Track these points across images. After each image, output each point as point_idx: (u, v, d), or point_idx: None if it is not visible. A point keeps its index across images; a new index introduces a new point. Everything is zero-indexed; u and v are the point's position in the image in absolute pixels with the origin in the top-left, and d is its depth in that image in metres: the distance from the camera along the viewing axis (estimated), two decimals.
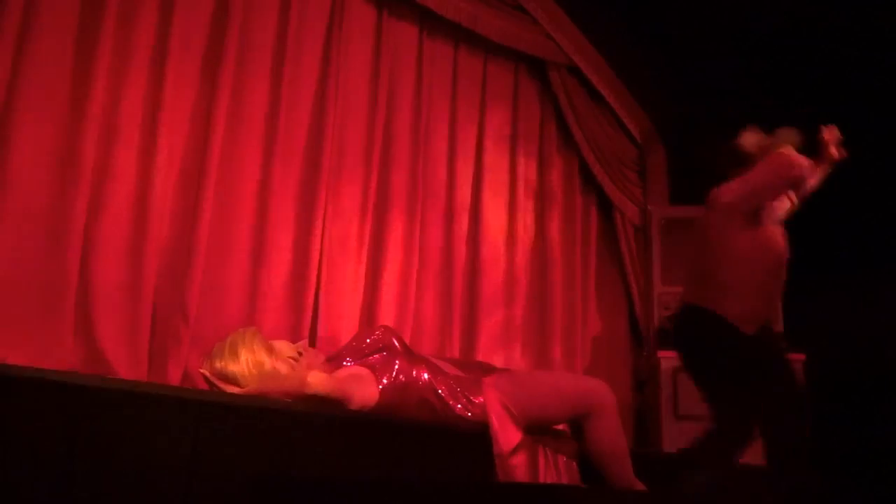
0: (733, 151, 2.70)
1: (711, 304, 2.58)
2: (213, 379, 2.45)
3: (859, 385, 4.11)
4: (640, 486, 2.54)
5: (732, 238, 2.57)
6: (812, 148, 2.78)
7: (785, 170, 2.56)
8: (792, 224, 2.81)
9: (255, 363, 2.45)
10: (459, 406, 2.49)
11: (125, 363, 2.78)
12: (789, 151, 2.58)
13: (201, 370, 2.52)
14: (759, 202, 2.58)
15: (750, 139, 2.70)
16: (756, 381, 2.54)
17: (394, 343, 2.59)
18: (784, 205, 2.77)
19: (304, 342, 2.86)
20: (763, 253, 2.60)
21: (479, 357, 3.86)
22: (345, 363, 2.53)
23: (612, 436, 2.55)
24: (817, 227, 2.57)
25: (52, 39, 2.80)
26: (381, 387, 2.44)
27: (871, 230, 4.16)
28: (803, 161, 2.58)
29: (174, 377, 2.88)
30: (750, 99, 4.48)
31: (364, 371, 2.47)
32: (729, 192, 2.58)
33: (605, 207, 4.93)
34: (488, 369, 2.79)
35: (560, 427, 2.72)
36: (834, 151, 2.85)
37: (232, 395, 2.36)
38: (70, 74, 2.84)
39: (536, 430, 2.56)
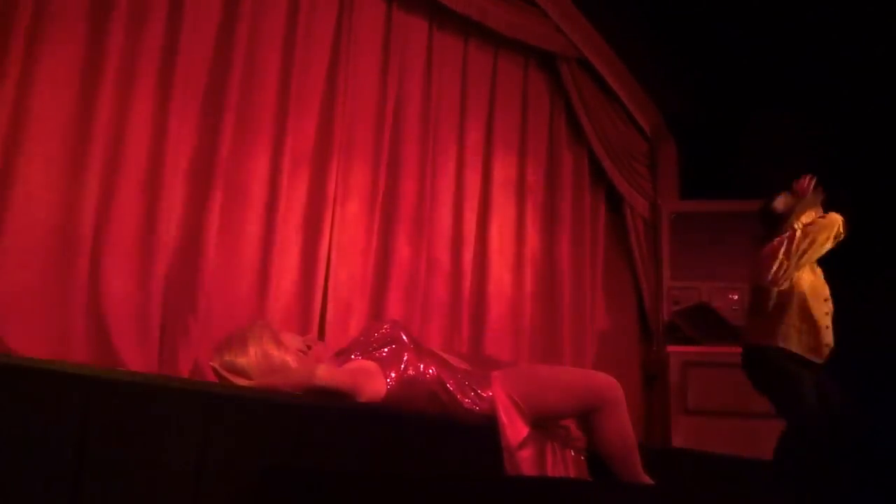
0: (769, 214, 3.18)
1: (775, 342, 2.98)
2: (222, 371, 2.46)
3: (888, 380, 4.07)
4: (648, 481, 2.53)
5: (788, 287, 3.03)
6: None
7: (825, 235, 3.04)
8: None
9: (263, 356, 2.46)
10: (468, 400, 2.49)
11: (135, 356, 2.79)
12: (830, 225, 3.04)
13: (211, 363, 2.53)
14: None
15: (780, 203, 3.16)
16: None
17: (402, 337, 2.58)
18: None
19: (313, 335, 2.87)
20: (814, 291, 3.04)
21: (488, 351, 3.86)
22: (353, 357, 2.53)
23: (620, 430, 2.54)
24: (847, 223, 2.82)
25: (61, 48, 2.82)
26: (388, 380, 2.44)
27: None
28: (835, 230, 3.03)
29: (184, 369, 2.89)
30: (761, 92, 4.46)
31: (372, 365, 2.48)
32: (778, 276, 3.01)
33: (615, 202, 4.92)
34: (497, 363, 2.78)
35: (568, 421, 2.72)
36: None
37: (241, 387, 2.36)
38: (78, 79, 2.86)
39: (544, 425, 2.56)
